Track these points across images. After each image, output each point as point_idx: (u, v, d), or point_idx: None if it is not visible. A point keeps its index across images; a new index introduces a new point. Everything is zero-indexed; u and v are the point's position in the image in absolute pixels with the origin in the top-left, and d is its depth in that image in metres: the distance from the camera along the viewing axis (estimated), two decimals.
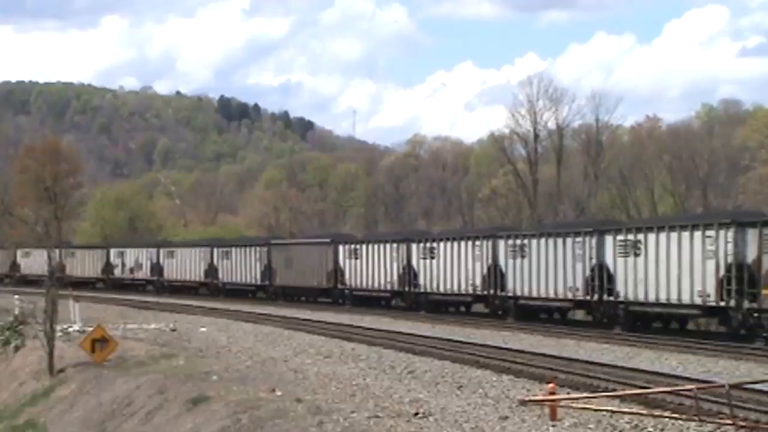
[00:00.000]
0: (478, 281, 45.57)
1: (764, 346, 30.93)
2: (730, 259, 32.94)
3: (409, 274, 50.35)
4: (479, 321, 43.79)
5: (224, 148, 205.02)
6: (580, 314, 42.80)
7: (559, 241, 40.86)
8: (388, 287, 52.19)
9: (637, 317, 37.63)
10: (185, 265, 70.35)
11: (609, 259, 38.18)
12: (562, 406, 19.23)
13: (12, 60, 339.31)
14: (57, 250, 75.96)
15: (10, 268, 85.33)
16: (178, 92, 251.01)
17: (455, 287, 47.17)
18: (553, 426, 18.50)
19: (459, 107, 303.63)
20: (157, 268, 73.08)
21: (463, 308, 49.09)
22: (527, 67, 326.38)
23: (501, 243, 44.37)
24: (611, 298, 38.16)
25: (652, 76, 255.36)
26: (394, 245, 51.68)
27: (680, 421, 18.09)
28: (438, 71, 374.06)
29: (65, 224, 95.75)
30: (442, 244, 48.37)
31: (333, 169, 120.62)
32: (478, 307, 47.55)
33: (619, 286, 37.66)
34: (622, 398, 20.15)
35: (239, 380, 25.21)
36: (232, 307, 54.23)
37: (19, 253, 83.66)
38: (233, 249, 66.13)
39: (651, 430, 18.14)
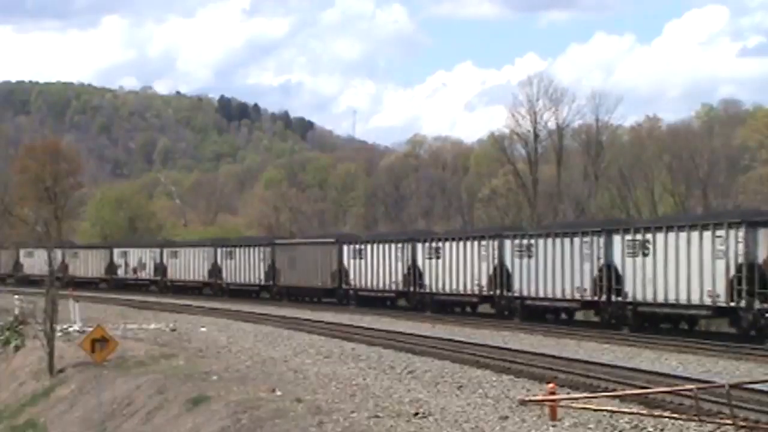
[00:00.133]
0: (484, 281, 45.18)
1: None
2: (740, 259, 32.50)
3: (414, 274, 49.98)
4: (479, 321, 43.78)
5: (224, 148, 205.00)
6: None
7: (567, 240, 40.47)
8: (393, 287, 51.85)
9: (646, 318, 37.25)
10: (189, 265, 70.01)
11: (617, 259, 37.73)
12: (562, 406, 19.23)
13: (12, 60, 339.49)
14: (59, 250, 76.52)
15: (13, 268, 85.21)
16: (178, 92, 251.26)
17: (461, 287, 46.82)
18: (553, 426, 18.50)
19: (459, 107, 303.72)
20: (160, 268, 72.76)
21: (468, 309, 48.68)
22: (527, 67, 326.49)
23: (507, 243, 43.97)
24: (619, 299, 37.72)
25: (652, 76, 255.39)
26: (399, 245, 51.34)
27: (680, 421, 18.09)
28: (438, 71, 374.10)
29: (65, 224, 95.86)
30: (447, 244, 47.98)
31: (333, 169, 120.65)
32: (484, 308, 47.13)
33: (628, 287, 37.20)
34: (622, 398, 20.15)
35: (239, 380, 25.21)
36: (233, 307, 54.22)
37: (22, 252, 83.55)
38: (237, 249, 65.75)
39: (651, 430, 18.14)
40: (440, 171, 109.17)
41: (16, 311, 45.82)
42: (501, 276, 44.16)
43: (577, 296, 39.94)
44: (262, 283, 62.95)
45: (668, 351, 30.97)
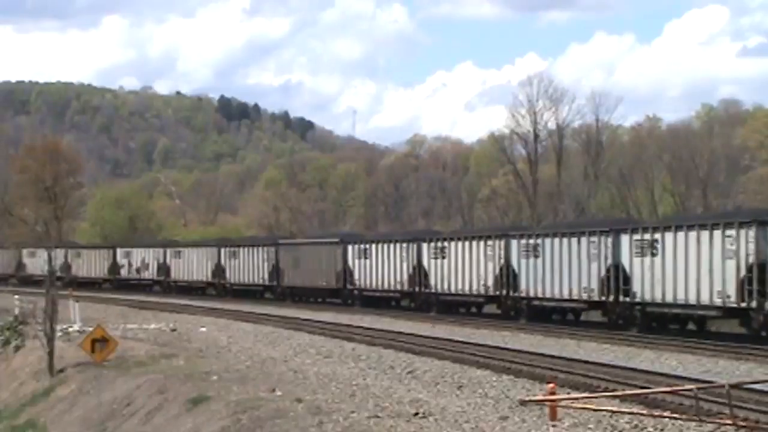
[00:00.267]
0: (490, 281, 44.72)
1: None
2: (751, 259, 31.97)
3: (419, 274, 49.54)
4: (479, 321, 43.74)
5: (224, 148, 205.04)
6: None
7: (574, 240, 40.02)
8: (398, 287, 51.35)
9: (654, 318, 36.81)
10: (192, 265, 69.63)
11: (625, 259, 37.22)
12: (562, 406, 19.19)
13: (12, 60, 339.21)
14: (62, 250, 76.58)
15: (16, 268, 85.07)
16: (178, 92, 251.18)
17: (467, 288, 46.34)
18: (553, 426, 18.47)
19: (459, 107, 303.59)
20: (163, 269, 72.41)
21: (474, 309, 48.25)
22: (527, 67, 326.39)
23: (513, 243, 43.57)
24: (627, 299, 37.23)
25: (652, 76, 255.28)
26: (405, 245, 50.91)
27: (680, 421, 18.09)
28: (438, 71, 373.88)
29: (65, 224, 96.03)
30: (453, 244, 47.52)
31: (333, 169, 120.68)
32: (490, 308, 46.75)
33: (636, 287, 36.67)
34: (622, 398, 20.13)
35: (239, 380, 25.20)
36: (233, 307, 54.22)
37: (24, 252, 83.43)
38: (240, 249, 65.34)
39: (651, 430, 18.14)
40: (440, 171, 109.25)
41: (16, 311, 45.82)
42: (507, 276, 43.72)
43: (585, 297, 39.43)
44: (266, 283, 62.57)
45: (668, 351, 30.95)
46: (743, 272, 32.26)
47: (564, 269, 40.40)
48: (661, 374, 24.03)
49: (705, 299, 33.82)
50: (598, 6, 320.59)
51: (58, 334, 34.48)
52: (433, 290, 48.67)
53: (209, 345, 36.18)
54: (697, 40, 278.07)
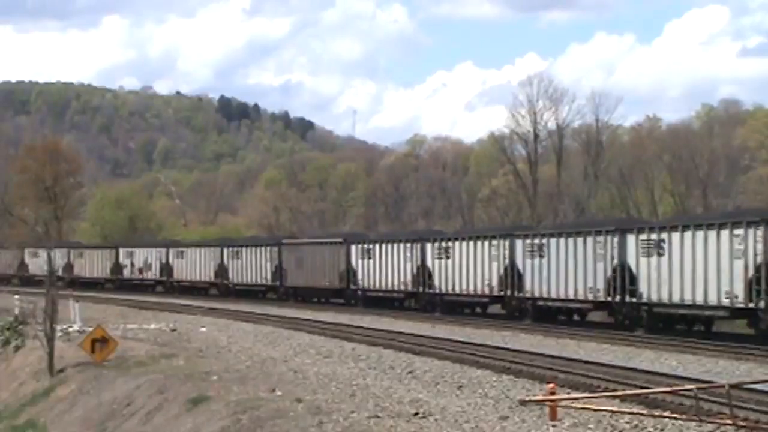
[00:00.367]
0: (495, 282, 44.41)
1: None
2: (759, 259, 31.63)
3: (423, 274, 49.12)
4: (479, 321, 43.70)
5: (224, 148, 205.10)
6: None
7: (580, 240, 39.71)
8: (402, 288, 51.02)
9: (661, 319, 36.44)
10: (195, 265, 69.33)
11: (631, 259, 36.95)
12: (562, 406, 19.22)
13: (12, 60, 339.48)
14: (64, 250, 76.55)
15: (18, 268, 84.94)
16: (178, 92, 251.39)
17: (471, 288, 46.04)
18: (553, 426, 18.49)
19: (459, 107, 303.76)
20: (166, 269, 72.08)
21: (479, 309, 47.84)
22: (528, 67, 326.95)
23: (518, 242, 43.24)
24: (633, 300, 36.92)
25: (652, 76, 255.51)
26: (408, 245, 50.54)
27: (680, 421, 18.08)
28: (438, 71, 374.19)
29: (65, 224, 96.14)
30: (457, 244, 47.15)
31: (333, 169, 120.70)
32: (495, 309, 46.45)
33: (642, 287, 36.40)
34: (622, 398, 20.14)
35: (239, 380, 25.20)
36: (233, 307, 54.21)
37: (27, 253, 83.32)
38: (243, 249, 65.03)
39: (651, 430, 18.13)
40: (440, 171, 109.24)
41: (16, 311, 45.82)
42: (512, 276, 43.33)
43: (590, 297, 39.15)
44: (269, 283, 62.32)
45: (668, 351, 30.94)
46: (751, 272, 31.90)
47: (569, 269, 40.06)
48: (661, 374, 24.02)
49: (712, 300, 33.46)
50: (599, 6, 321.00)
51: (58, 334, 34.47)
52: (437, 290, 48.34)
53: (209, 345, 36.17)
54: (698, 40, 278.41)
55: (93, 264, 79.56)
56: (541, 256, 41.79)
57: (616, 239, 37.88)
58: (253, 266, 63.62)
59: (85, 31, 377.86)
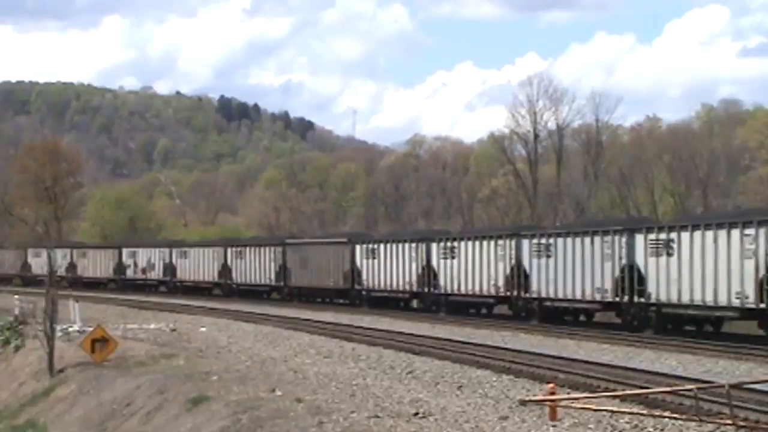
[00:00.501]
0: (501, 282, 43.96)
1: None
2: None
3: (428, 274, 48.68)
4: (479, 321, 43.68)
5: (224, 148, 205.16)
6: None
7: (587, 240, 39.15)
8: (407, 288, 50.54)
9: (670, 320, 35.94)
10: (198, 265, 68.90)
11: (640, 259, 36.41)
12: (562, 406, 19.23)
13: (12, 60, 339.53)
14: (67, 250, 76.46)
15: (21, 268, 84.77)
16: (178, 92, 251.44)
17: (477, 288, 45.53)
18: (553, 426, 18.49)
19: (459, 107, 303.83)
20: (170, 269, 71.68)
21: (484, 310, 47.49)
22: (528, 67, 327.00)
23: (525, 242, 42.73)
24: (642, 300, 36.38)
25: (652, 76, 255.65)
26: (414, 245, 50.03)
27: (680, 421, 18.08)
28: (438, 71, 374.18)
29: (65, 224, 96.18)
30: (463, 244, 46.67)
31: (333, 169, 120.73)
32: (501, 309, 46.20)
33: (651, 287, 35.84)
34: (622, 398, 20.13)
35: (239, 380, 25.20)
36: (232, 306, 54.20)
37: (30, 253, 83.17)
38: (247, 249, 64.65)
39: (651, 430, 18.13)
40: (440, 171, 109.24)
41: (16, 311, 45.84)
42: (518, 276, 42.89)
43: (598, 297, 38.61)
44: (273, 283, 61.96)
45: (668, 351, 30.92)
46: (762, 272, 31.47)
47: (577, 269, 39.53)
48: (661, 374, 24.01)
49: (722, 300, 32.92)
50: (599, 6, 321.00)
51: (58, 334, 34.48)
52: (442, 291, 47.88)
53: (209, 345, 36.16)
54: (698, 40, 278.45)
55: (96, 264, 79.24)
56: (547, 256, 41.31)
57: (624, 239, 37.33)
58: (256, 266, 63.20)
59: (85, 31, 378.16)
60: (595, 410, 19.01)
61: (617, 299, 37.81)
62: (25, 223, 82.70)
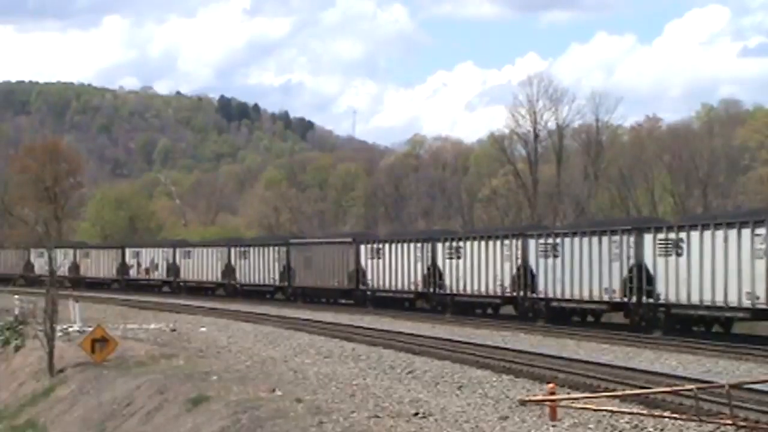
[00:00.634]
0: (507, 282, 43.57)
1: None
2: None
3: (434, 274, 48.25)
4: (479, 321, 43.64)
5: (224, 148, 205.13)
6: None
7: (595, 239, 38.73)
8: (412, 288, 50.13)
9: (679, 320, 35.53)
10: (202, 265, 68.54)
11: (648, 259, 35.97)
12: (562, 406, 19.23)
13: (12, 60, 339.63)
14: (71, 250, 76.45)
15: (24, 268, 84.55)
16: (178, 92, 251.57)
17: (483, 288, 45.15)
18: (553, 426, 18.49)
19: (459, 107, 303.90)
20: (173, 269, 71.35)
21: (490, 310, 47.15)
22: (528, 67, 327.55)
23: (531, 242, 42.31)
24: (651, 300, 36.00)
25: (652, 76, 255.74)
26: (419, 244, 49.65)
27: (680, 421, 18.08)
28: (439, 71, 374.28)
29: (65, 224, 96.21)
30: (468, 244, 46.25)
31: (333, 169, 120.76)
32: (507, 310, 45.95)
33: (660, 288, 35.46)
34: (622, 398, 20.13)
35: (239, 380, 25.20)
36: (232, 306, 54.20)
37: (33, 253, 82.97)
38: (251, 249, 64.32)
39: (651, 430, 18.13)
40: (440, 171, 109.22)
41: (16, 311, 45.83)
42: (525, 276, 42.48)
43: (606, 298, 38.21)
44: (277, 283, 61.58)
45: (668, 351, 30.92)
46: None
47: (584, 269, 39.13)
48: (661, 374, 24.00)
49: (733, 300, 32.50)
50: (599, 6, 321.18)
51: (58, 334, 34.47)
52: (448, 291, 47.48)
53: (209, 345, 36.17)
54: (698, 40, 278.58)
55: (99, 264, 78.96)
56: (554, 256, 40.89)
57: (632, 239, 36.90)
58: (260, 266, 62.85)
59: (85, 31, 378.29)
60: (595, 410, 19.02)
61: (625, 300, 37.39)
62: (25, 223, 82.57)
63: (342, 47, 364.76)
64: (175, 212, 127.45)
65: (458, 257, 46.81)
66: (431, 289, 48.88)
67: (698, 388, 18.07)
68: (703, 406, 18.38)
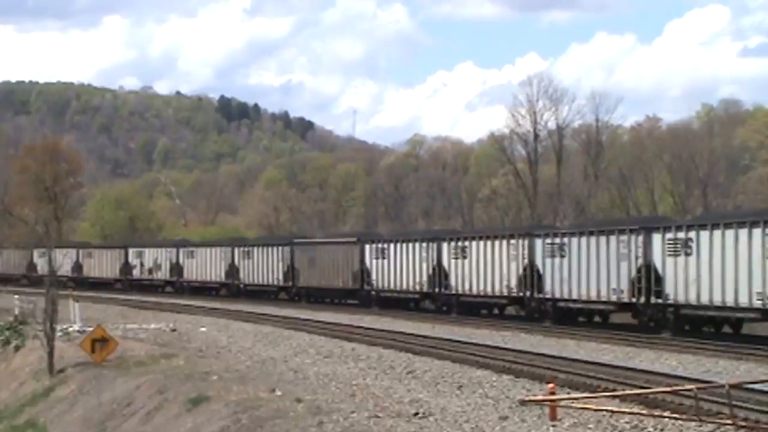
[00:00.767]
0: (514, 282, 43.08)
1: None
2: None
3: (439, 274, 47.77)
4: (479, 321, 43.59)
5: (224, 148, 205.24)
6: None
7: (602, 239, 38.24)
8: (417, 288, 49.61)
9: (688, 321, 35.15)
10: (205, 265, 68.22)
11: (657, 259, 35.49)
12: (562, 406, 19.23)
13: (12, 60, 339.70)
14: (73, 250, 76.41)
15: (27, 268, 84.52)
16: (178, 92, 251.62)
17: (489, 289, 44.67)
18: (553, 426, 18.50)
19: (460, 107, 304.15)
20: (176, 269, 71.03)
21: (496, 311, 46.84)
22: (528, 66, 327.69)
23: (538, 242, 41.78)
24: (659, 301, 35.49)
25: (652, 76, 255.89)
26: (424, 244, 49.11)
27: (680, 421, 18.08)
28: (439, 71, 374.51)
29: (65, 224, 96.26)
30: (474, 243, 45.75)
31: (333, 169, 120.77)
32: (513, 310, 45.70)
33: (669, 288, 34.99)
34: (622, 398, 20.13)
35: (239, 380, 25.21)
36: (232, 306, 54.19)
37: (36, 253, 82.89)
38: (255, 248, 63.98)
39: (651, 430, 18.13)
40: (440, 171, 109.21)
41: (16, 311, 45.84)
42: (531, 277, 41.93)
43: (613, 298, 37.77)
44: (281, 284, 61.20)
45: (668, 351, 30.90)
46: None
47: (592, 269, 38.65)
48: (661, 374, 23.99)
49: (743, 301, 32.09)
50: (599, 6, 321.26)
51: (58, 334, 34.48)
52: (453, 291, 47.05)
53: (209, 345, 36.17)
54: (698, 40, 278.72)
55: (102, 264, 78.64)
56: (561, 256, 40.42)
57: (641, 238, 36.42)
58: (264, 266, 62.49)
59: (85, 31, 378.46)
60: (595, 410, 19.02)
61: (633, 300, 36.97)
62: (25, 223, 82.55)
63: (342, 47, 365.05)
64: (175, 212, 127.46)
65: (464, 257, 46.38)
66: (436, 290, 48.46)
67: (698, 388, 18.07)
68: (703, 406, 18.38)
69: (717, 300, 33.22)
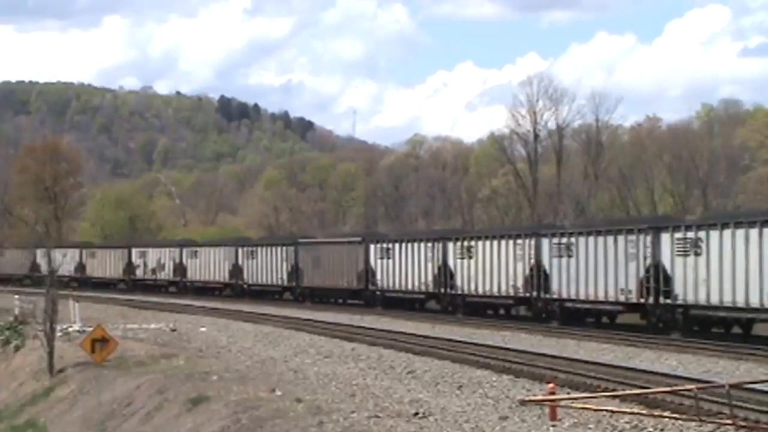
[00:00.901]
0: (520, 282, 42.62)
1: None
2: None
3: (445, 274, 47.37)
4: (479, 321, 43.57)
5: (224, 148, 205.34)
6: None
7: (610, 239, 37.78)
8: (423, 289, 49.18)
9: (697, 321, 34.70)
10: (209, 265, 67.94)
11: (666, 259, 35.02)
12: (561, 406, 19.23)
13: (12, 60, 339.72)
14: (76, 250, 76.34)
15: (30, 268, 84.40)
16: (178, 92, 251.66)
17: (495, 289, 44.23)
18: (553, 426, 18.50)
19: (460, 107, 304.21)
20: (180, 269, 70.72)
21: (503, 311, 46.37)
22: (528, 66, 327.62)
23: (545, 241, 41.30)
24: (668, 301, 35.03)
25: (652, 76, 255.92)
26: (429, 244, 48.68)
27: (680, 421, 18.08)
28: (439, 71, 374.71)
29: (65, 224, 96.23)
30: (480, 243, 45.33)
31: (333, 169, 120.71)
32: (520, 310, 45.48)
33: (678, 288, 34.50)
34: (622, 398, 20.13)
35: (239, 380, 25.21)
36: (232, 306, 54.17)
37: (38, 253, 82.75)
38: (259, 248, 63.69)
39: (651, 430, 18.13)
40: (440, 171, 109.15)
41: (16, 311, 45.87)
42: (538, 277, 41.51)
43: (621, 298, 37.33)
44: (285, 284, 60.93)
45: (668, 351, 30.89)
46: None
47: (599, 269, 38.23)
48: (661, 374, 23.99)
49: (754, 302, 31.57)
50: (599, 6, 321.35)
51: (58, 334, 34.49)
52: (459, 291, 46.66)
53: (209, 345, 36.17)
54: (698, 40, 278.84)
55: (105, 264, 78.49)
56: (569, 256, 39.97)
57: (649, 238, 35.99)
58: (268, 266, 62.22)
59: (85, 31, 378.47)
60: (595, 410, 19.01)
61: (642, 300, 36.59)
62: (26, 223, 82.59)
63: (342, 47, 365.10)
64: (175, 212, 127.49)
65: (470, 257, 45.98)
66: (442, 290, 48.04)
67: (698, 388, 18.06)
68: (703, 406, 18.38)
69: (727, 300, 32.79)
